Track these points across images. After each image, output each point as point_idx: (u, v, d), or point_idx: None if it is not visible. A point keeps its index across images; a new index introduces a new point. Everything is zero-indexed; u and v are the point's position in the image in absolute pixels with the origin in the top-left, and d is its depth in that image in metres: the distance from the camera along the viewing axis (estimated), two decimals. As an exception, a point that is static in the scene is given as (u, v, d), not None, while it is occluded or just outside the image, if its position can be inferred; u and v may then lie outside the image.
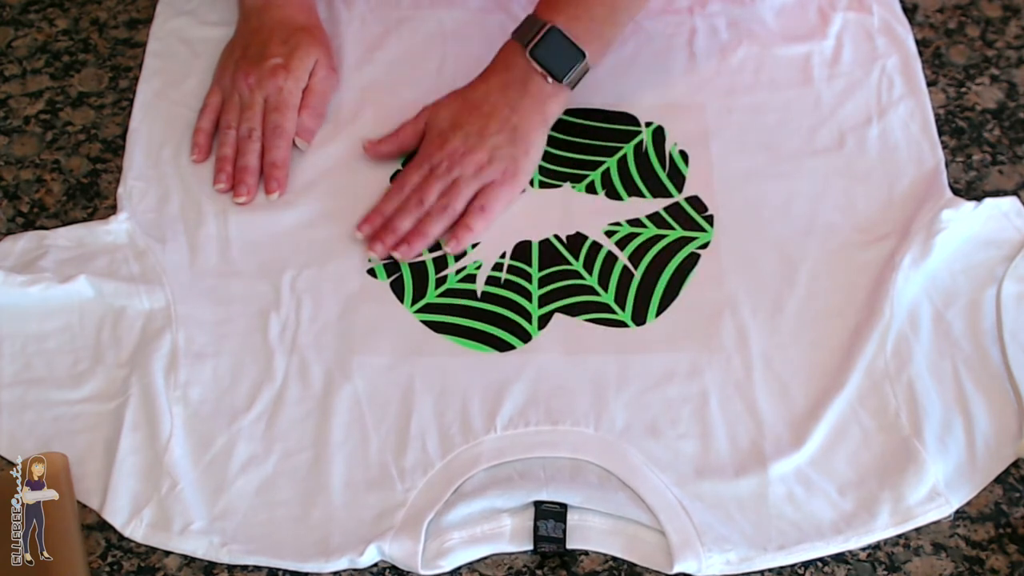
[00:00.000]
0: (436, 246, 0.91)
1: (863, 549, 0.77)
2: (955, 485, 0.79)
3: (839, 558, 0.77)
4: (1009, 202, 0.91)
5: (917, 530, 0.78)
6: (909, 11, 1.05)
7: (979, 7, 1.07)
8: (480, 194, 0.91)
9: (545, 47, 0.91)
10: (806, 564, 0.77)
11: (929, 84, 1.00)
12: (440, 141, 0.92)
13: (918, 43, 1.03)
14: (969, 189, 0.94)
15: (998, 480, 0.80)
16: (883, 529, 0.77)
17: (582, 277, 0.89)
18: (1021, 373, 0.82)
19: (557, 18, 0.91)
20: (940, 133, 0.97)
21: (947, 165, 0.94)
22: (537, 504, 0.77)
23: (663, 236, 0.91)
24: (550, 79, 0.92)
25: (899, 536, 0.77)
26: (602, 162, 0.95)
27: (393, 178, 0.94)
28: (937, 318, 0.85)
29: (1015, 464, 0.80)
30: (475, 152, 0.91)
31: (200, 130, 0.96)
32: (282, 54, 0.96)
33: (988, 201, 0.90)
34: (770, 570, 0.76)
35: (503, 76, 0.93)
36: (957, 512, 0.78)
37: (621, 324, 0.86)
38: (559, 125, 0.97)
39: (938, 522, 0.78)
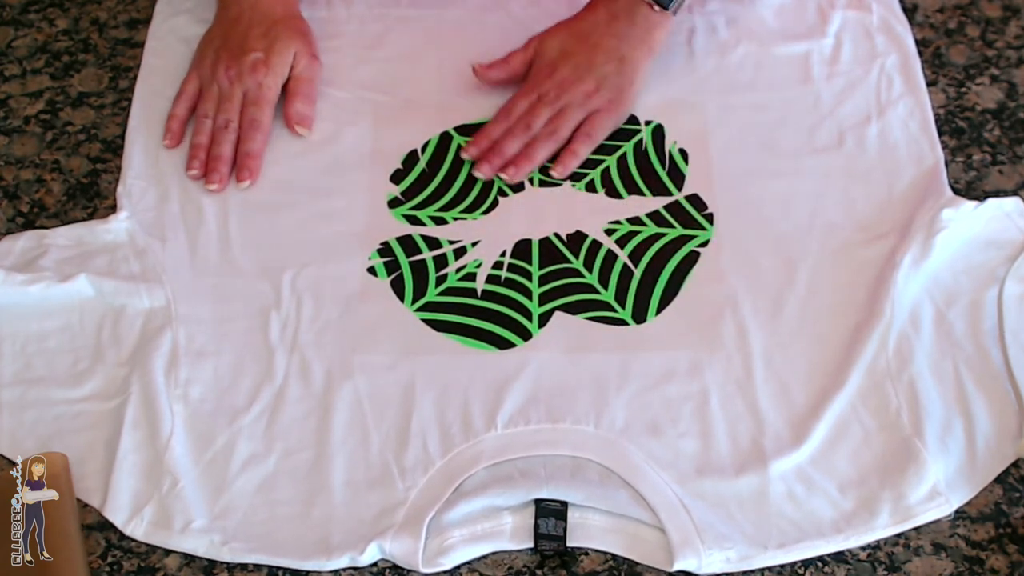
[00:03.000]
0: (437, 245, 0.91)
1: (863, 549, 0.77)
2: (955, 485, 0.79)
3: (839, 558, 0.77)
4: (1012, 202, 0.91)
5: (917, 530, 0.78)
6: (909, 11, 1.05)
7: (979, 7, 1.07)
8: (586, 121, 0.94)
9: None
10: (806, 564, 0.77)
11: (929, 84, 1.00)
12: (549, 70, 0.95)
13: (918, 43, 1.03)
14: (969, 189, 0.94)
15: (998, 480, 0.80)
16: (883, 528, 0.77)
17: (582, 275, 0.89)
18: (1022, 373, 0.82)
19: None
20: (940, 133, 0.97)
21: (947, 165, 0.94)
22: (538, 502, 0.77)
23: (663, 234, 0.91)
24: (656, 7, 0.94)
25: (899, 536, 0.77)
26: (602, 160, 0.95)
27: (393, 176, 0.95)
28: (939, 318, 0.85)
29: (1015, 464, 0.80)
30: (583, 81, 0.94)
31: (174, 116, 0.96)
32: (262, 48, 0.97)
33: (991, 201, 0.90)
34: (770, 569, 0.76)
35: (610, 7, 0.96)
36: (957, 512, 0.78)
37: (621, 322, 0.86)
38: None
39: (938, 522, 0.78)
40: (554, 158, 0.95)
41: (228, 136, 0.95)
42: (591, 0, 0.98)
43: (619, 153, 0.96)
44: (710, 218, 0.92)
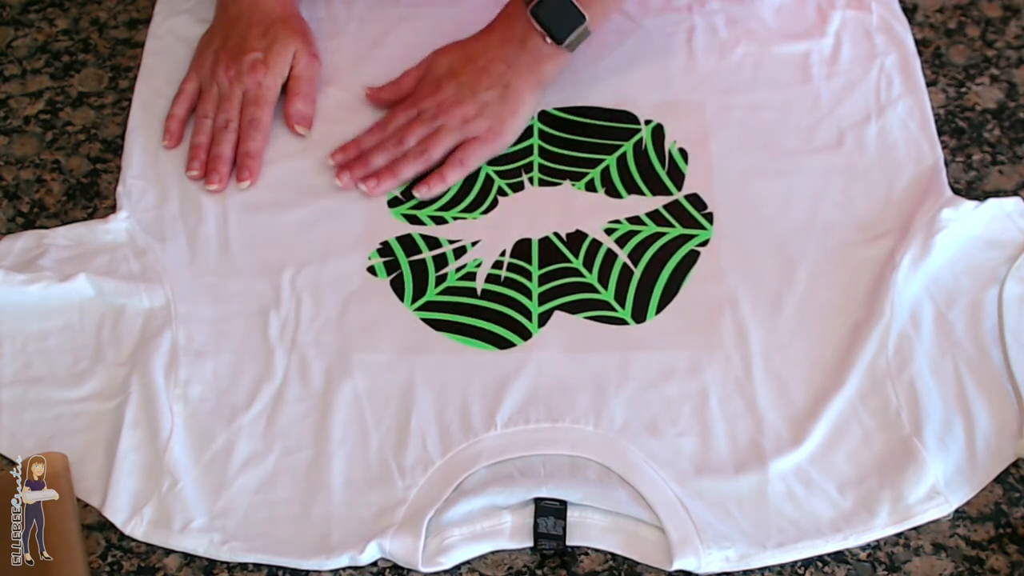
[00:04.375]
0: (437, 244, 0.91)
1: (863, 549, 0.77)
2: (955, 485, 0.79)
3: (839, 558, 0.77)
4: (1013, 203, 0.91)
5: (917, 530, 0.78)
6: (909, 11, 1.05)
7: (979, 7, 1.07)
8: (461, 147, 0.93)
9: (546, 7, 0.92)
10: (806, 564, 0.77)
11: (929, 84, 1.00)
12: (433, 88, 0.94)
13: (918, 43, 1.03)
14: (969, 189, 0.94)
15: (998, 480, 0.80)
16: (882, 528, 0.77)
17: (582, 275, 0.89)
18: (1022, 374, 0.82)
19: None
20: (940, 133, 0.97)
21: (947, 165, 0.94)
22: (537, 501, 0.77)
23: (663, 234, 0.91)
24: (548, 39, 0.92)
25: (899, 536, 0.77)
26: (602, 160, 0.96)
27: (391, 174, 0.95)
28: (939, 318, 0.85)
29: (1015, 464, 0.80)
30: (464, 104, 0.93)
31: (173, 116, 0.96)
32: (261, 48, 0.97)
33: (991, 201, 0.90)
34: (770, 569, 0.76)
35: (503, 32, 0.94)
36: (957, 512, 0.78)
37: (621, 322, 0.86)
38: (559, 123, 0.97)
39: (938, 522, 0.78)
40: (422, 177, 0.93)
41: (228, 136, 0.95)
42: (491, 22, 0.96)
43: (619, 152, 0.96)
44: (710, 217, 0.92)
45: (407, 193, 0.93)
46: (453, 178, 0.92)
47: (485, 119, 0.93)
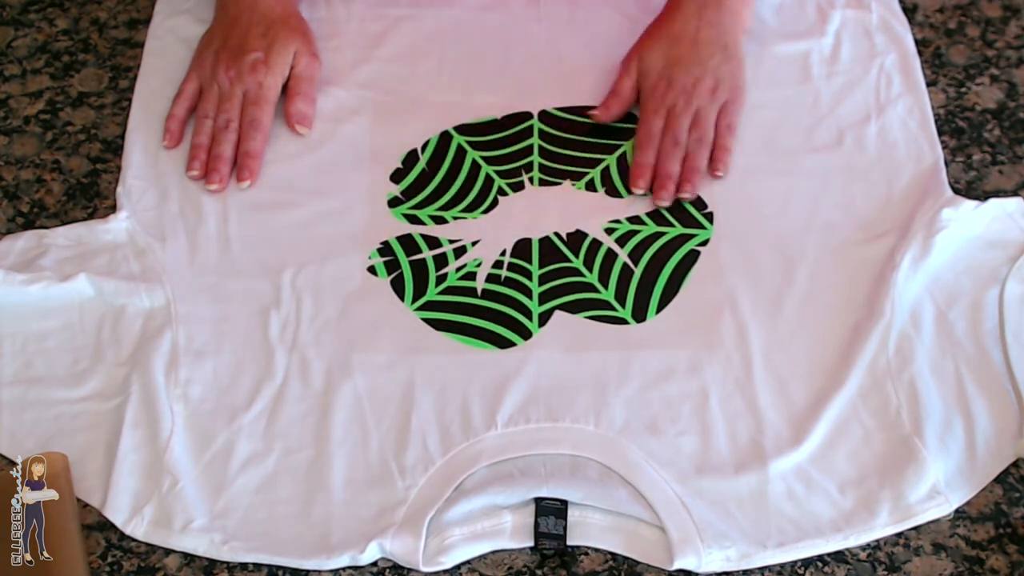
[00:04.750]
0: (437, 244, 0.91)
1: (863, 549, 0.77)
2: (955, 484, 0.79)
3: (839, 558, 0.77)
4: (1015, 203, 0.91)
5: (917, 530, 0.78)
6: (909, 11, 1.05)
7: (979, 7, 1.07)
8: (721, 115, 0.94)
9: None
10: (806, 564, 0.77)
11: (929, 84, 1.00)
12: (664, 82, 0.95)
13: (918, 43, 1.03)
14: (969, 189, 0.94)
15: (998, 480, 0.80)
16: (883, 527, 0.77)
17: (582, 274, 0.89)
18: (1022, 374, 0.82)
19: None
20: (940, 133, 0.97)
21: (947, 165, 0.94)
22: (538, 501, 0.77)
23: (663, 233, 0.91)
24: None
25: (899, 536, 0.77)
26: (602, 160, 0.95)
27: (393, 175, 0.95)
28: (940, 318, 0.85)
29: (1015, 464, 0.80)
30: (702, 80, 0.95)
31: (173, 116, 0.96)
32: (261, 48, 0.97)
33: (993, 201, 0.90)
34: (770, 568, 0.76)
35: (695, 1, 0.96)
36: (957, 512, 0.78)
37: (621, 321, 0.86)
38: (559, 123, 0.97)
39: (938, 522, 0.78)
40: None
41: (229, 136, 0.95)
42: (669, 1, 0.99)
43: (619, 152, 0.96)
44: (710, 217, 0.92)
45: (407, 192, 0.93)
46: (733, 144, 0.94)
47: (725, 82, 0.95)
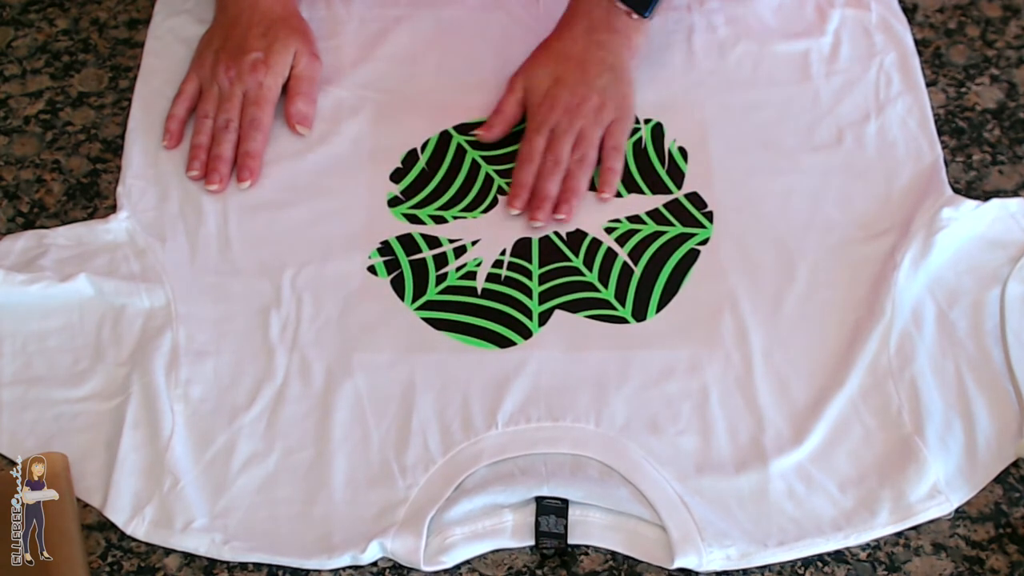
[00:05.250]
0: (437, 243, 0.91)
1: (863, 548, 0.77)
2: (955, 484, 0.79)
3: (839, 558, 0.77)
4: (1016, 203, 0.91)
5: (917, 530, 0.78)
6: (909, 11, 1.05)
7: (979, 7, 1.07)
8: (607, 135, 0.93)
9: None
10: (806, 563, 0.77)
11: (929, 84, 1.00)
12: (549, 100, 0.94)
13: (918, 43, 1.03)
14: (969, 189, 0.94)
15: (998, 480, 0.80)
16: (883, 527, 0.77)
17: (582, 274, 0.89)
18: (1023, 374, 0.82)
19: None
20: (940, 133, 0.97)
21: (947, 165, 0.94)
22: (538, 500, 0.77)
23: (663, 232, 0.91)
24: (635, 15, 0.94)
25: (899, 536, 0.77)
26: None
27: (393, 175, 0.95)
28: (941, 317, 0.85)
29: (1015, 464, 0.80)
30: (587, 99, 0.94)
31: (173, 117, 0.96)
32: (261, 48, 0.97)
33: (995, 201, 0.90)
34: (770, 568, 0.76)
35: (586, 21, 0.96)
36: (957, 512, 0.78)
37: (621, 320, 0.86)
38: (558, 123, 0.98)
39: (938, 522, 0.78)
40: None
41: (229, 136, 0.95)
42: (564, 17, 0.97)
43: (619, 152, 0.96)
44: (710, 216, 0.92)
45: (407, 192, 0.93)
46: (619, 165, 0.93)
47: (612, 101, 0.94)
